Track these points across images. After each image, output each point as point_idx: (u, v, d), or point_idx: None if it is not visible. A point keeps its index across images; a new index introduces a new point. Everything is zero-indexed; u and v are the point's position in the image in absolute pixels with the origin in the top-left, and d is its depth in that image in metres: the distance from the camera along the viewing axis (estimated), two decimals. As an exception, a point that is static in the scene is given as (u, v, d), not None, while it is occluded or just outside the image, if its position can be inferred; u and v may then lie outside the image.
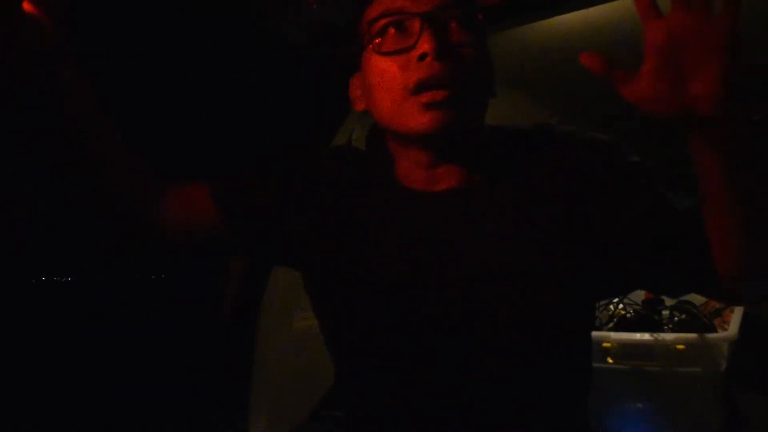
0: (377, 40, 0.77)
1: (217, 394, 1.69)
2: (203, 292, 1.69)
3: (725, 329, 1.68)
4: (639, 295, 1.86)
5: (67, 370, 1.38)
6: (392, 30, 0.76)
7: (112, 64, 1.37)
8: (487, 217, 0.78)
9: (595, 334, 1.87)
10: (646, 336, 1.68)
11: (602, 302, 1.88)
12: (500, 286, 0.76)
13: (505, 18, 1.61)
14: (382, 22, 0.76)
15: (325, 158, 0.90)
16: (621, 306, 1.85)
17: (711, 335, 1.63)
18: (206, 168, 1.52)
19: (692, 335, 1.62)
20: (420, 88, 0.74)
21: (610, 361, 1.71)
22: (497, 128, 0.84)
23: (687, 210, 0.76)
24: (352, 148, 0.94)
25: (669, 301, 1.85)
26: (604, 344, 1.71)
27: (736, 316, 1.70)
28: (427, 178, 0.81)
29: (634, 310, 1.82)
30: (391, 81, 0.76)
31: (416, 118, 0.75)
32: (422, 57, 0.73)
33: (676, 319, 1.75)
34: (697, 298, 1.93)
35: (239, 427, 1.72)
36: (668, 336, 1.66)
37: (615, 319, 1.83)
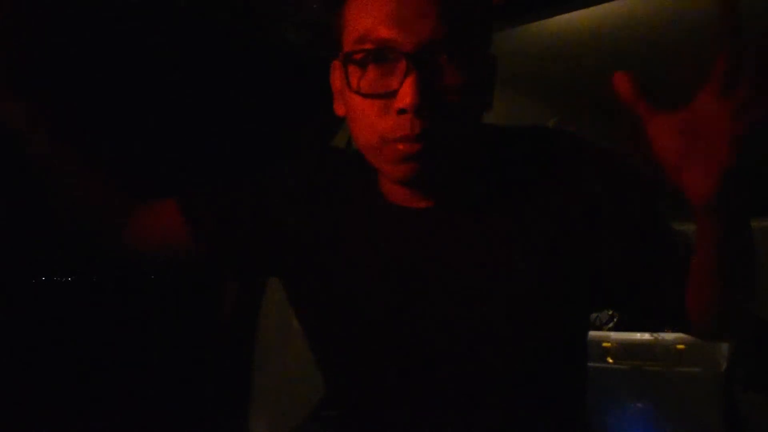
0: (354, 75, 0.68)
1: (217, 394, 1.69)
2: (203, 292, 1.68)
3: (725, 329, 1.68)
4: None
5: (66, 369, 1.38)
6: (371, 63, 0.67)
7: (109, 64, 1.37)
8: (469, 235, 0.75)
9: (595, 334, 1.86)
10: (646, 336, 1.68)
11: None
12: (482, 303, 0.74)
13: (506, 18, 1.61)
14: (362, 54, 0.67)
15: (310, 167, 0.87)
16: (621, 306, 1.85)
17: (711, 335, 1.63)
18: (206, 169, 1.52)
19: (692, 335, 1.62)
20: (399, 140, 0.67)
21: (610, 361, 1.71)
22: (490, 130, 0.79)
23: (674, 241, 0.74)
24: (342, 153, 0.88)
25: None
26: (604, 344, 1.71)
27: (736, 316, 1.69)
28: (407, 195, 0.77)
29: (634, 310, 1.82)
30: (368, 122, 0.69)
31: (391, 166, 0.69)
32: (401, 112, 0.65)
33: (676, 319, 1.75)
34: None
35: (239, 427, 1.72)
36: (668, 336, 1.66)
37: (615, 319, 1.83)
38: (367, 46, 0.66)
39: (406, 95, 0.64)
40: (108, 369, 1.42)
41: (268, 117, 1.67)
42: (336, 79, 0.75)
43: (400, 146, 0.67)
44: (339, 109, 0.75)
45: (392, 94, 0.66)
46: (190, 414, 1.58)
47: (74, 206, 0.82)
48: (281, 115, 1.67)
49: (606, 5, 1.58)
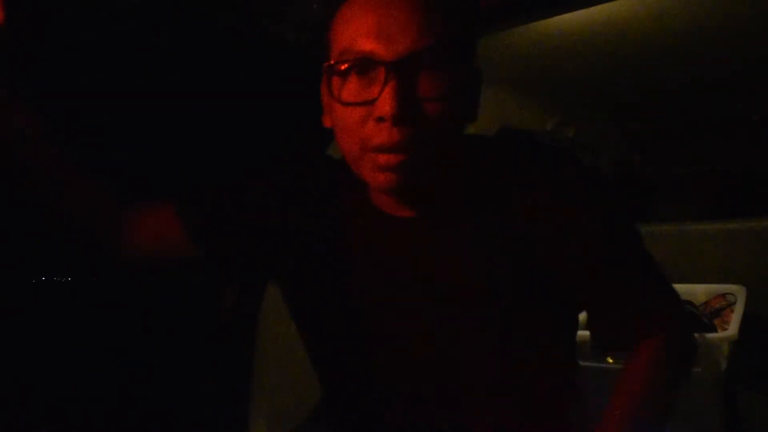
0: (337, 85, 0.70)
1: (217, 394, 1.69)
2: (203, 291, 1.68)
3: (725, 329, 1.68)
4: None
5: (66, 369, 1.38)
6: (354, 74, 0.69)
7: (107, 64, 1.37)
8: (454, 244, 0.77)
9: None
10: (647, 336, 1.68)
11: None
12: (467, 310, 0.76)
13: (505, 18, 1.61)
14: (344, 65, 0.69)
15: (303, 171, 0.88)
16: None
17: (711, 335, 1.63)
18: (205, 169, 1.52)
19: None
20: (378, 149, 0.68)
21: (610, 361, 1.71)
22: (476, 142, 0.80)
23: (633, 273, 0.78)
24: (334, 159, 0.88)
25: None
26: (604, 344, 1.71)
27: (736, 316, 1.70)
28: (393, 204, 0.79)
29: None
30: (349, 130, 0.70)
31: (371, 176, 0.71)
32: (380, 120, 0.67)
33: (676, 319, 1.75)
34: (697, 298, 1.93)
35: (239, 427, 1.72)
36: (668, 336, 1.65)
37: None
38: (349, 57, 0.68)
39: (386, 103, 0.65)
40: (108, 369, 1.42)
41: (267, 117, 1.67)
42: (324, 91, 0.76)
43: (381, 157, 0.68)
44: (327, 121, 0.77)
45: (372, 102, 0.67)
46: (190, 414, 1.58)
47: (69, 209, 0.82)
48: (281, 116, 1.67)
49: (606, 5, 1.58)
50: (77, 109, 1.27)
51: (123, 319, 1.48)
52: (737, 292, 1.86)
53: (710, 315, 1.78)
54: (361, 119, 0.69)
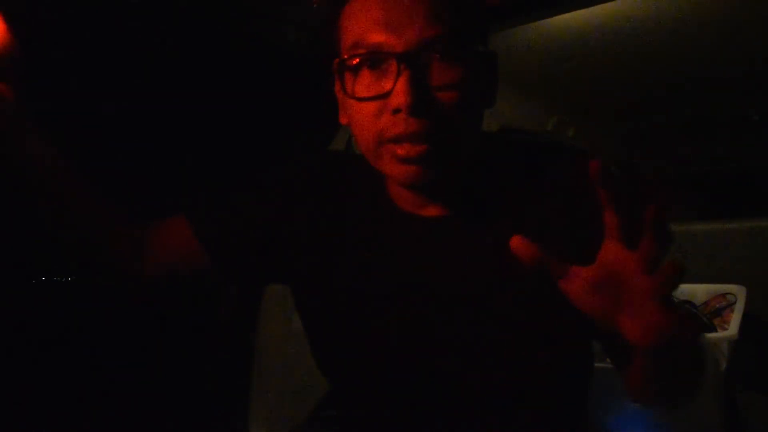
0: (349, 81, 0.69)
1: (217, 394, 1.69)
2: (204, 291, 1.69)
3: (725, 329, 1.68)
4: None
5: (66, 369, 1.38)
6: (366, 68, 0.68)
7: (107, 64, 1.37)
8: (479, 246, 0.75)
9: (595, 334, 1.86)
10: (647, 336, 1.68)
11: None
12: (489, 315, 0.74)
13: (505, 18, 1.61)
14: (355, 60, 0.68)
15: (316, 170, 0.86)
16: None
17: (711, 335, 1.63)
18: (206, 171, 1.52)
19: (692, 335, 1.62)
20: (395, 140, 0.68)
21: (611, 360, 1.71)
22: (496, 140, 0.79)
23: None
24: (349, 156, 0.87)
25: (669, 301, 1.84)
26: (604, 344, 1.70)
27: (736, 316, 1.70)
28: (414, 202, 0.77)
29: (634, 310, 1.81)
30: (365, 125, 0.69)
31: (392, 168, 0.70)
32: (396, 111, 0.66)
33: (676, 318, 1.74)
34: (697, 298, 1.93)
35: (239, 427, 1.72)
36: (668, 336, 1.65)
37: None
38: (360, 51, 0.68)
39: (400, 95, 0.65)
40: (108, 369, 1.42)
41: (267, 117, 1.67)
42: (337, 89, 0.75)
43: (399, 149, 0.68)
44: (343, 118, 0.76)
45: (386, 95, 0.67)
46: (190, 414, 1.58)
47: (86, 234, 0.82)
48: (280, 116, 1.67)
49: (606, 5, 1.58)
50: (79, 113, 1.27)
51: (123, 318, 1.48)
52: (737, 292, 1.85)
53: (710, 315, 1.78)
54: (376, 112, 0.68)
